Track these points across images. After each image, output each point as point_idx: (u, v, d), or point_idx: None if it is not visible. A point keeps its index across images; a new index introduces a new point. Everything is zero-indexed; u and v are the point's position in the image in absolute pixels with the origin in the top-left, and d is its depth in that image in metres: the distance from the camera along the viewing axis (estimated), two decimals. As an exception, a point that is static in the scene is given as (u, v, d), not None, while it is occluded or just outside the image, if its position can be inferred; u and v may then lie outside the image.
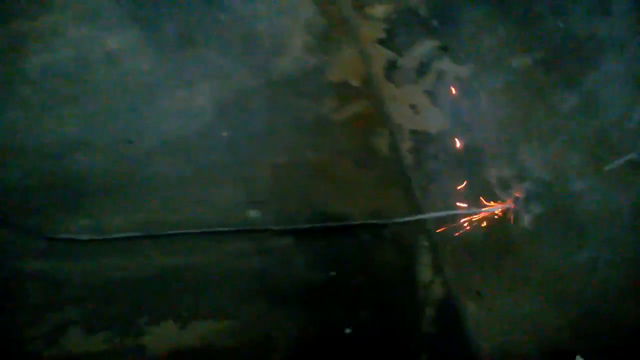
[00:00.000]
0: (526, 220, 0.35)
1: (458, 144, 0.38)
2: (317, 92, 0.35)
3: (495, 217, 0.36)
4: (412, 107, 0.36)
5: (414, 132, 0.36)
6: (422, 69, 0.38)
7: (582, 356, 0.32)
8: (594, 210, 0.36)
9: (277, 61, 0.35)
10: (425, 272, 0.32)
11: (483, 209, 0.34)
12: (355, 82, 0.34)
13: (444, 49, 0.39)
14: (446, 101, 0.39)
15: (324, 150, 0.33)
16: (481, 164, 0.39)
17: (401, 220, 0.31)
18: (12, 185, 0.32)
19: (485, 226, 0.35)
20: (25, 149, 0.32)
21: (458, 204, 0.35)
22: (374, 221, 0.31)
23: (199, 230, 0.31)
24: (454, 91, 0.38)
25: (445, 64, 0.39)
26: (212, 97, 0.34)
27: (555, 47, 0.41)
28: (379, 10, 0.38)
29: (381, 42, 0.37)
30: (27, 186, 0.32)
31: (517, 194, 0.35)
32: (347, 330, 0.28)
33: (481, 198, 0.35)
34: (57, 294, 0.30)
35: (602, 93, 0.38)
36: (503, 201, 0.35)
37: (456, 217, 0.34)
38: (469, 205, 0.36)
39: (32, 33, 0.35)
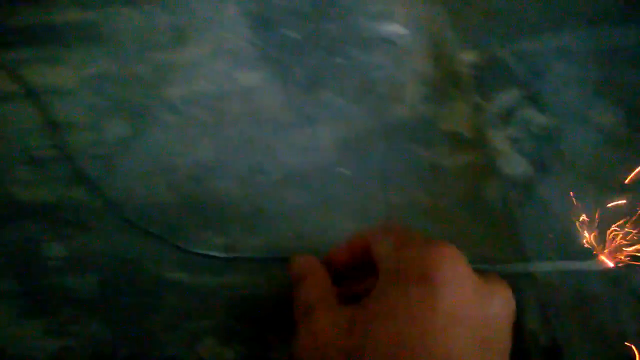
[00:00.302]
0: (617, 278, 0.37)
1: (541, 192, 0.39)
2: (430, 139, 0.37)
3: (595, 272, 0.37)
4: (495, 151, 0.39)
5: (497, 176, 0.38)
6: (507, 116, 0.40)
7: None
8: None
9: (393, 107, 0.38)
10: (532, 321, 0.33)
11: (581, 264, 0.36)
12: (467, 133, 0.37)
13: (529, 98, 0.42)
14: (528, 148, 0.41)
15: (435, 194, 0.35)
16: (567, 215, 0.40)
17: (508, 268, 0.33)
18: (156, 200, 0.35)
19: (583, 280, 0.37)
20: (167, 169, 0.36)
21: (559, 256, 0.37)
22: (483, 266, 0.33)
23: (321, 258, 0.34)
24: (536, 139, 0.40)
25: (529, 112, 0.41)
26: (334, 136, 0.37)
27: (638, 107, 0.42)
28: (469, 57, 0.41)
29: (466, 83, 0.40)
30: (169, 203, 0.35)
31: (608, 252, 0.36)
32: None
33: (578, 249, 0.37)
34: (193, 303, 0.33)
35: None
36: (596, 256, 0.36)
37: (558, 270, 0.35)
38: (567, 258, 0.37)
39: (172, 65, 0.39)
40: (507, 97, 0.42)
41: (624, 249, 0.34)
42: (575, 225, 0.38)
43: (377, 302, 0.24)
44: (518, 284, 0.34)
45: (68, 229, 0.34)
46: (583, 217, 0.38)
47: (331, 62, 0.41)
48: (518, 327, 0.32)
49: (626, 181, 0.38)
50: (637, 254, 0.37)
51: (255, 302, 0.31)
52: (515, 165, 0.39)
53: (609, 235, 0.35)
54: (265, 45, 0.42)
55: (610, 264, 0.34)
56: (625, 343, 0.36)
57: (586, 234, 0.37)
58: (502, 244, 0.35)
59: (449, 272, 0.23)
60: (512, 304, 0.26)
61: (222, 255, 0.32)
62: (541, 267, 0.33)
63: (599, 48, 0.46)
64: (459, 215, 0.36)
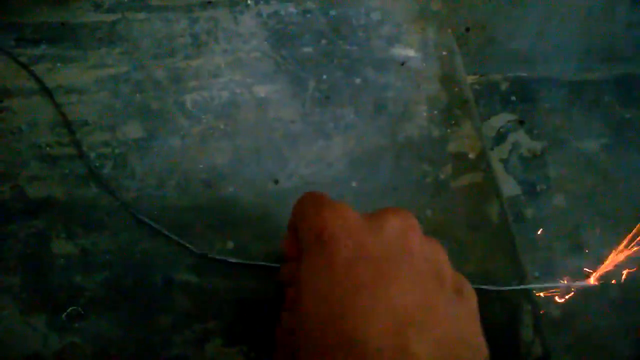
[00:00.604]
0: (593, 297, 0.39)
1: (527, 214, 0.41)
2: (437, 159, 0.38)
3: (574, 292, 0.39)
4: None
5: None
6: (499, 139, 0.42)
7: None
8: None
9: (403, 126, 0.39)
10: (527, 332, 0.34)
11: (566, 284, 0.38)
12: (471, 155, 0.38)
13: (520, 122, 0.44)
14: (518, 170, 0.43)
15: (440, 211, 0.37)
16: (550, 237, 0.42)
17: (507, 288, 0.34)
18: (169, 202, 0.35)
19: (565, 299, 0.39)
20: (181, 172, 0.36)
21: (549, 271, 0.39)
22: (483, 287, 0.33)
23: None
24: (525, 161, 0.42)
25: (520, 136, 0.43)
26: (345, 151, 0.38)
27: (621, 135, 0.45)
28: (469, 80, 0.43)
29: (468, 102, 0.42)
30: (181, 206, 0.35)
31: (589, 275, 0.38)
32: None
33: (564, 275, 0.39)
34: (201, 305, 0.32)
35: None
36: (577, 279, 0.39)
37: (551, 288, 0.37)
38: (555, 279, 0.39)
39: (190, 71, 0.40)
40: (499, 120, 0.44)
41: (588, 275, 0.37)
42: (557, 250, 0.40)
43: (300, 281, 0.26)
44: (515, 298, 0.35)
45: (78, 227, 0.34)
46: (559, 243, 0.40)
47: (346, 79, 0.43)
48: (513, 338, 0.34)
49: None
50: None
51: (264, 305, 0.32)
52: (506, 185, 0.41)
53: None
54: (282, 59, 0.44)
55: (594, 282, 0.36)
56: None
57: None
58: (501, 259, 0.37)
59: (332, 228, 0.25)
60: (407, 216, 0.27)
61: (235, 260, 0.33)
62: (535, 285, 0.35)
63: (587, 79, 0.49)
64: (462, 231, 0.37)
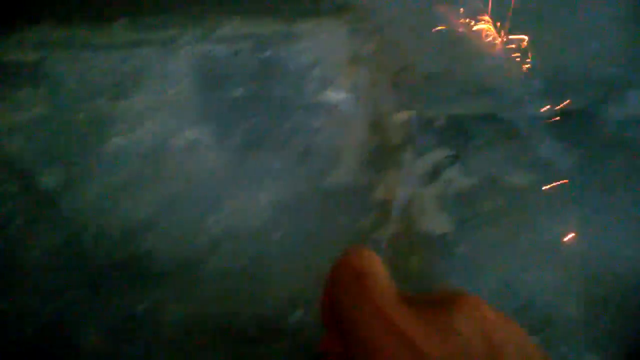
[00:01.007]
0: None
1: (458, 251, 0.41)
2: (362, 207, 0.38)
3: None
4: (421, 210, 0.41)
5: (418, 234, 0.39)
6: (433, 175, 0.43)
7: None
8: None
9: (331, 173, 0.39)
10: None
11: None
12: (395, 203, 0.38)
13: (454, 158, 0.44)
14: (451, 207, 0.43)
15: (364, 261, 0.37)
16: (477, 274, 0.42)
17: None
18: (83, 257, 0.34)
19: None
20: (97, 224, 0.35)
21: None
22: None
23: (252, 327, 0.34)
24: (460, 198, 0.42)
25: (454, 172, 0.43)
26: (272, 198, 0.37)
27: (551, 172, 0.46)
28: (401, 117, 0.43)
29: (398, 147, 0.42)
30: (96, 260, 0.33)
31: None
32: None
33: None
34: None
35: (594, 223, 0.42)
36: None
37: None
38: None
39: (113, 114, 0.39)
40: (434, 156, 0.44)
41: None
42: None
43: None
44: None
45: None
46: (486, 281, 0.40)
47: (274, 123, 0.42)
48: None
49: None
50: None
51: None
52: (439, 222, 0.41)
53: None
54: (209, 102, 0.43)
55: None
56: None
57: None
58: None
59: (386, 350, 0.21)
60: (476, 303, 0.22)
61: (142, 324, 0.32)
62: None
63: (520, 115, 0.50)
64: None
